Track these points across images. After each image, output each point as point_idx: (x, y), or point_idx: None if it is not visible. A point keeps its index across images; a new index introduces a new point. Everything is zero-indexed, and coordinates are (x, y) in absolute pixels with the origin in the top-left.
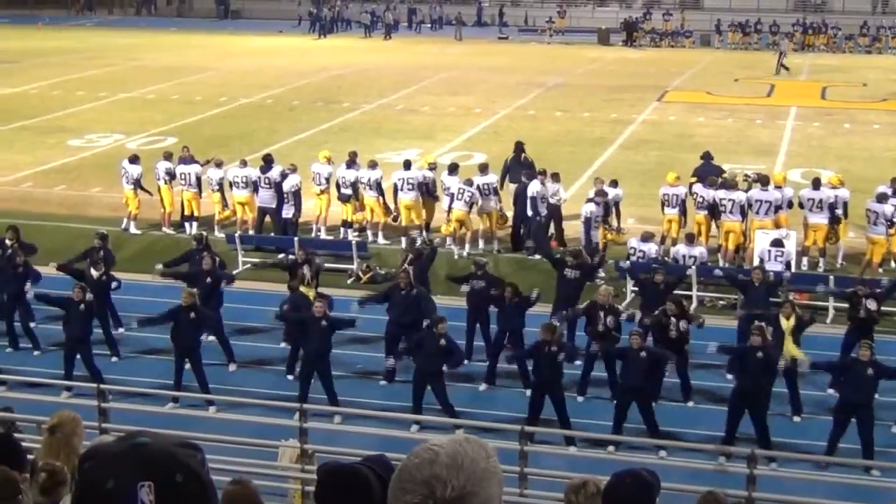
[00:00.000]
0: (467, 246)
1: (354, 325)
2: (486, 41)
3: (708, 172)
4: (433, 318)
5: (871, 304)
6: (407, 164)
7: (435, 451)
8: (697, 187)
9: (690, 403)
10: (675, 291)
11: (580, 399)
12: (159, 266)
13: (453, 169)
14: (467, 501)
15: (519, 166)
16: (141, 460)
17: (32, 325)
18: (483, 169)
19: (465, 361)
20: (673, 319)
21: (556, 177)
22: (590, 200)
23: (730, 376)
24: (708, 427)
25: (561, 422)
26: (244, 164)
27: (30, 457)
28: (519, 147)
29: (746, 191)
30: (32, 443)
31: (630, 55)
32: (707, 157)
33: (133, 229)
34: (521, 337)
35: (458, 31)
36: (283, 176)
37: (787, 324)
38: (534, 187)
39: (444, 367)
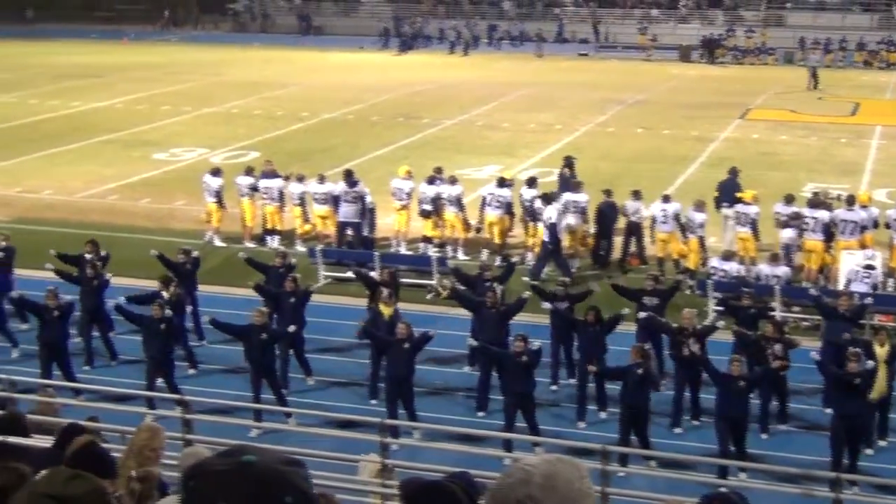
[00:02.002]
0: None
1: (432, 338)
2: (567, 57)
3: (731, 189)
4: (516, 335)
5: None
6: (500, 182)
7: (529, 471)
8: (778, 206)
9: (783, 427)
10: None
11: (678, 431)
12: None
13: (531, 183)
14: None
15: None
16: (250, 480)
17: (111, 334)
18: (577, 186)
19: (554, 387)
20: (770, 343)
21: (637, 194)
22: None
23: (828, 410)
24: (798, 451)
25: (643, 443)
26: (322, 179)
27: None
28: (568, 161)
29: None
30: (118, 453)
31: (712, 72)
32: (734, 173)
33: (217, 242)
34: (604, 362)
35: (539, 47)
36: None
37: (881, 351)
38: (550, 212)
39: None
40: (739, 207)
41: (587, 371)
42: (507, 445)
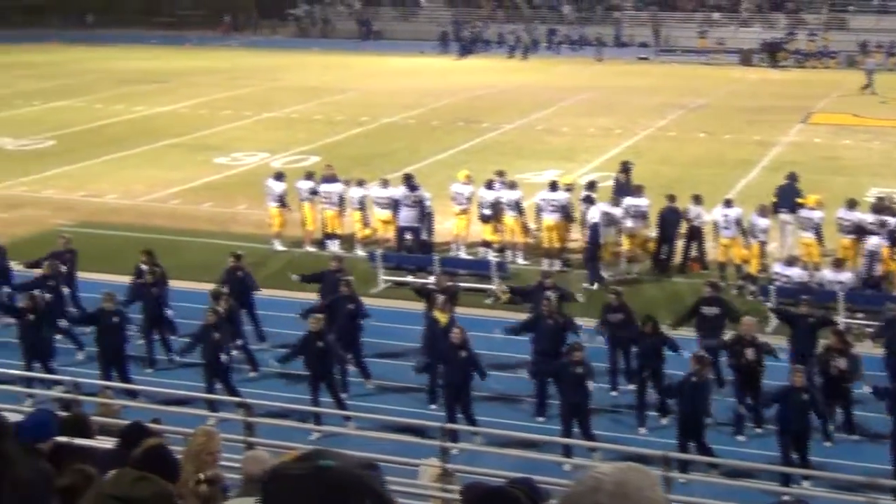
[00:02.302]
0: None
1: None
2: (626, 61)
3: (789, 195)
4: (571, 346)
5: None
6: (552, 186)
7: (600, 478)
8: (841, 211)
9: (855, 437)
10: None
11: (741, 438)
12: (296, 276)
13: (591, 187)
14: None
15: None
16: (328, 485)
17: (173, 337)
18: (637, 190)
19: (614, 393)
20: (834, 356)
21: (697, 199)
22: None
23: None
24: (862, 460)
25: (703, 451)
26: (385, 183)
27: None
28: (625, 166)
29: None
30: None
31: (773, 76)
32: (792, 178)
33: (278, 246)
34: (661, 373)
35: (599, 51)
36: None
37: None
38: (592, 213)
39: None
40: (803, 212)
41: (645, 379)
42: (567, 451)
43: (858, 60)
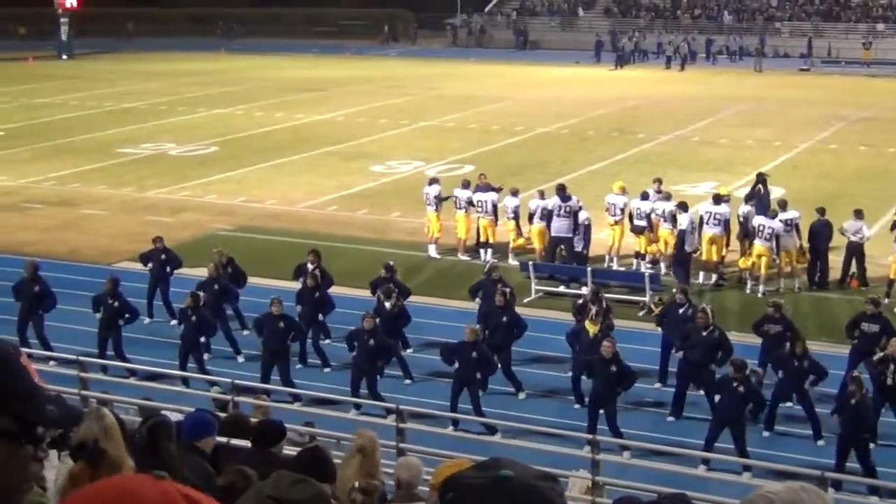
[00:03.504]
0: (762, 284)
1: (635, 380)
2: (787, 72)
3: None
4: (735, 364)
5: None
6: (716, 199)
7: (771, 499)
8: None
9: None
10: None
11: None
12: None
13: (749, 199)
14: None
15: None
16: (507, 496)
17: (326, 342)
18: (783, 205)
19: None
20: (892, 366)
21: (859, 214)
22: None
23: None
24: None
25: (865, 470)
26: (542, 194)
27: None
28: (761, 178)
29: None
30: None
31: None
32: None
33: (433, 253)
34: (808, 395)
35: (759, 62)
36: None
37: None
38: (683, 220)
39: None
40: None
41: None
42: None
43: None
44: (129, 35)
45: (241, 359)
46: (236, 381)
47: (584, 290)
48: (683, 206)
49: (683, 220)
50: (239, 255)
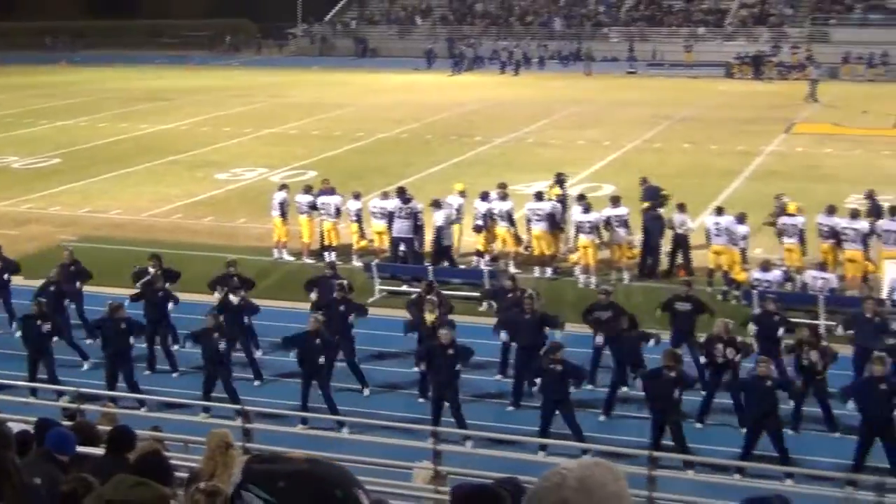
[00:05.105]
0: (593, 277)
1: (473, 354)
2: (615, 76)
3: (651, 196)
4: (550, 346)
5: None
6: (538, 196)
7: (564, 474)
8: (820, 217)
9: (837, 434)
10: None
11: (698, 426)
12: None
13: (581, 199)
14: None
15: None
16: (319, 474)
17: (175, 348)
18: (615, 201)
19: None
20: (806, 348)
21: (682, 207)
22: None
23: (850, 405)
24: (836, 455)
25: (679, 447)
26: (385, 195)
27: (179, 474)
28: (559, 178)
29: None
30: (179, 461)
31: (758, 88)
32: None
33: (286, 256)
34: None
35: (588, 66)
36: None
37: None
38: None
39: (572, 389)
40: (785, 219)
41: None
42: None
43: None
44: None
45: (86, 366)
46: (81, 390)
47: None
48: (437, 204)
49: (439, 217)
50: (84, 265)
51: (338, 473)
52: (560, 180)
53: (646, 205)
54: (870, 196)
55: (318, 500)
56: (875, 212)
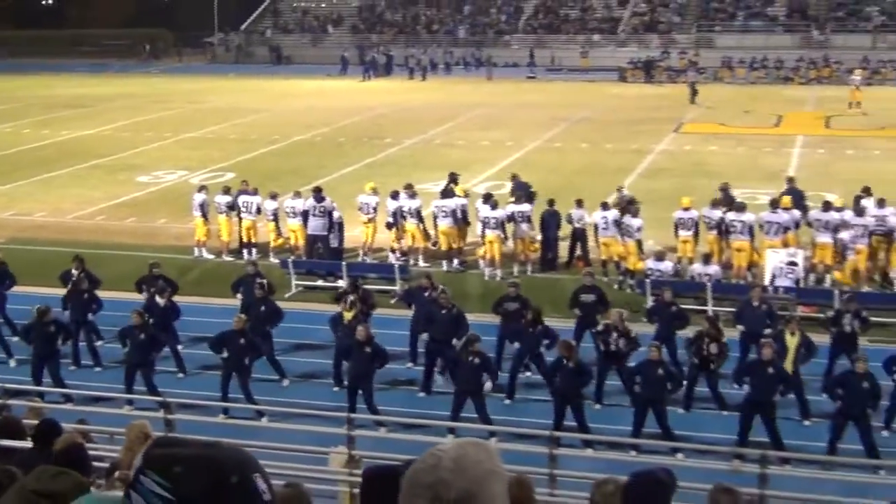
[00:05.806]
0: (499, 269)
1: (388, 361)
2: (516, 80)
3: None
4: (468, 338)
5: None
6: (443, 193)
7: (439, 455)
8: (705, 210)
9: (725, 413)
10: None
11: (597, 407)
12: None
13: (487, 198)
14: (471, 502)
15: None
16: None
17: (98, 343)
18: (518, 198)
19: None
20: (706, 340)
21: (580, 203)
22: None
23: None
24: (722, 431)
25: (580, 428)
26: (298, 195)
27: (102, 464)
28: (451, 177)
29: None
30: (104, 452)
31: (649, 91)
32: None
33: (206, 254)
34: (542, 357)
35: (490, 71)
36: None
37: (791, 340)
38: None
39: (487, 384)
40: (680, 213)
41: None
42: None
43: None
44: None
45: (12, 363)
46: (6, 386)
47: (342, 283)
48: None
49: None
50: (9, 266)
51: (237, 458)
52: (453, 179)
53: (512, 199)
54: (724, 189)
55: (213, 484)
56: (727, 202)
